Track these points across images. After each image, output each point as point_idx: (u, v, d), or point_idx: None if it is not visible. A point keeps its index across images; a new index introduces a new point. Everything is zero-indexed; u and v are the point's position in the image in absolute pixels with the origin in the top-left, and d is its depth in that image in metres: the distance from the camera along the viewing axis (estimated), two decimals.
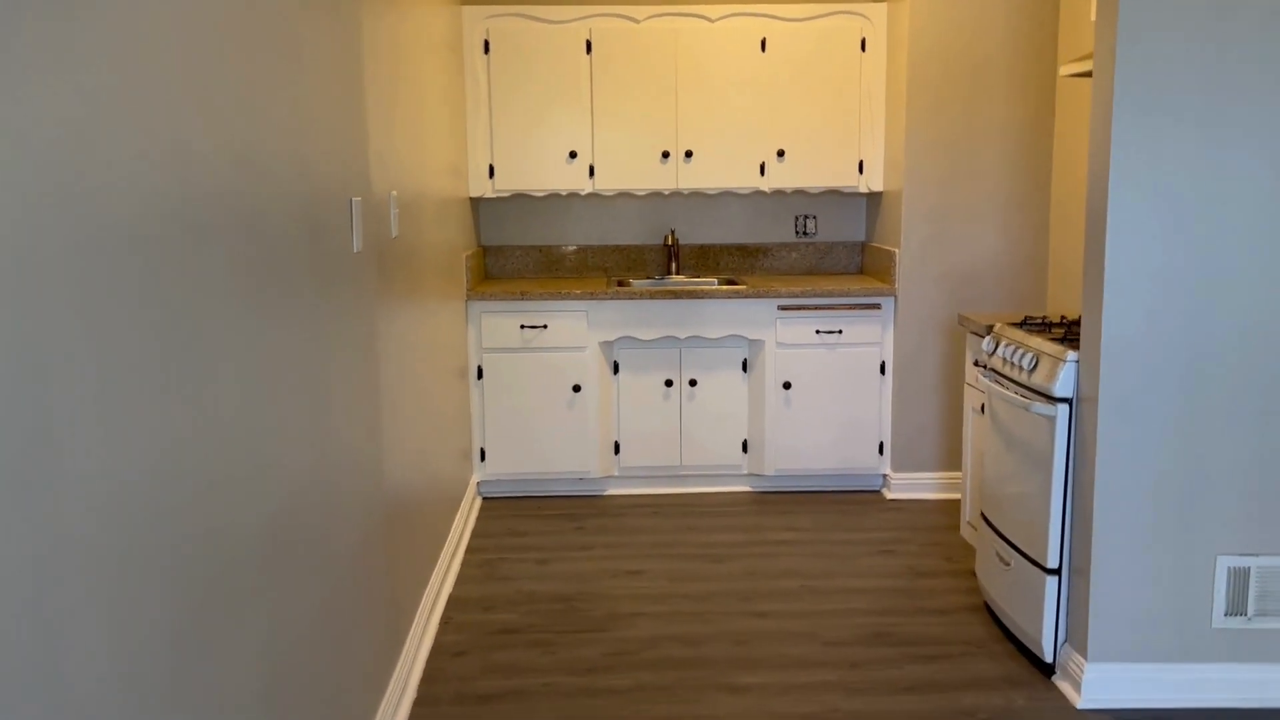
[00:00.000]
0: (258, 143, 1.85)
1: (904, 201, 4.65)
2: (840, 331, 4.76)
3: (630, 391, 4.82)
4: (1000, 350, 3.33)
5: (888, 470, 4.85)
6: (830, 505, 4.71)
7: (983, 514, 3.54)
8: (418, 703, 3.00)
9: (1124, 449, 2.84)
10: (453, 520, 4.16)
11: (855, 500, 4.77)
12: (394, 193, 3.04)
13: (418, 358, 3.47)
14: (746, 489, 4.93)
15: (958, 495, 4.78)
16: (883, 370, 4.79)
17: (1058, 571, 3.04)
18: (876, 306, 4.75)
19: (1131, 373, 2.82)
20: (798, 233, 5.32)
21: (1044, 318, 3.54)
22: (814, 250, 5.33)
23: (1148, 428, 2.84)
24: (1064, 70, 3.48)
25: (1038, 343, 3.15)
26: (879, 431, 4.83)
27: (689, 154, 4.90)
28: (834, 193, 5.25)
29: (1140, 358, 2.81)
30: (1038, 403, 3.03)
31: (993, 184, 4.65)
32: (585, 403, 4.76)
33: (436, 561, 3.72)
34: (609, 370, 4.81)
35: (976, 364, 3.72)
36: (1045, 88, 4.58)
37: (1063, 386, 2.97)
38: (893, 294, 4.72)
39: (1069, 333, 3.20)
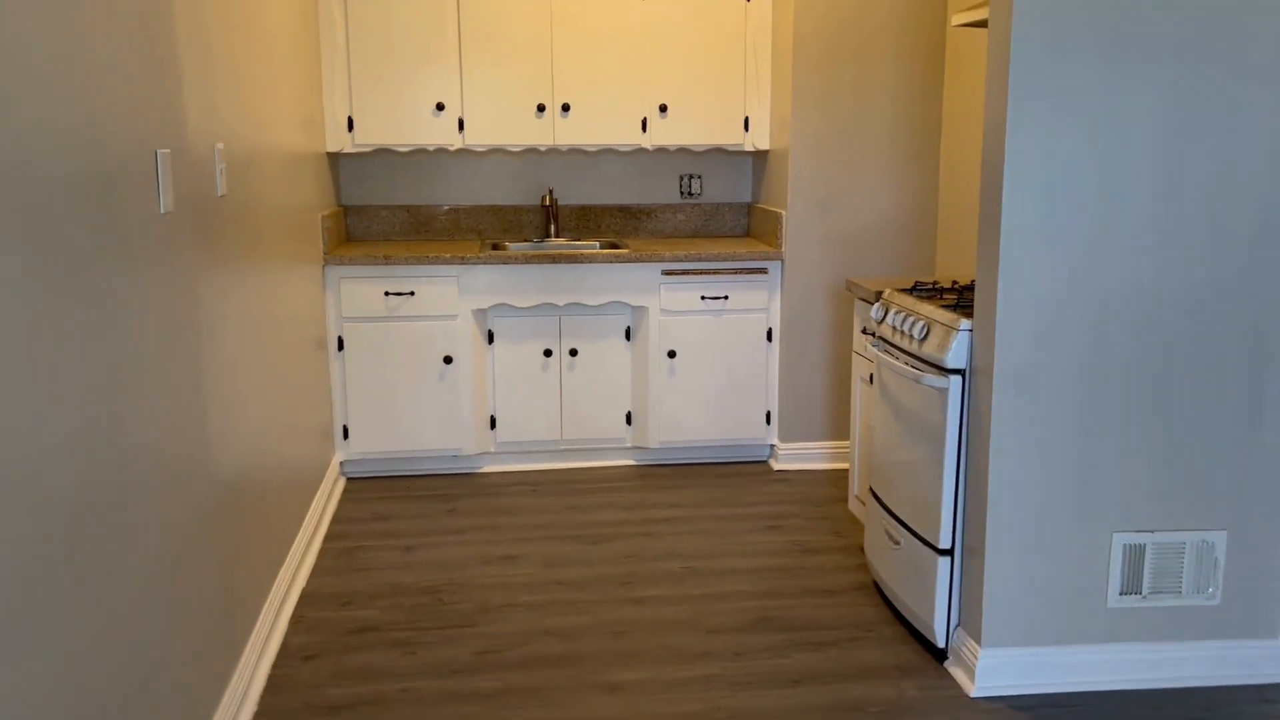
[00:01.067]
0: (17, 85, 1.51)
1: (791, 161, 4.43)
2: (726, 297, 4.54)
3: (506, 362, 4.53)
4: (890, 318, 3.15)
5: (774, 440, 4.68)
6: (716, 478, 4.51)
7: (871, 489, 3.37)
8: (259, 716, 2.70)
9: (1019, 423, 2.68)
10: (309, 505, 3.83)
11: (742, 472, 4.59)
12: (220, 146, 2.68)
13: (260, 329, 3.12)
14: (630, 463, 4.71)
15: (846, 465, 4.64)
16: (769, 337, 4.60)
17: (950, 552, 2.88)
18: (763, 271, 4.54)
19: (1027, 342, 2.65)
20: (683, 193, 5.07)
21: (934, 283, 3.37)
22: (700, 212, 5.09)
23: (1044, 400, 2.68)
24: (956, 20, 3.29)
25: (929, 310, 2.97)
26: (766, 401, 4.64)
27: (566, 108, 4.60)
28: (720, 151, 5.01)
29: (1037, 326, 2.65)
30: (929, 374, 2.85)
31: (882, 143, 4.47)
32: (458, 375, 4.46)
33: (288, 553, 3.39)
34: (483, 340, 4.51)
35: (865, 332, 3.55)
36: (935, 43, 4.41)
37: (955, 357, 2.79)
38: (780, 258, 4.51)
39: (961, 299, 3.03)
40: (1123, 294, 2.65)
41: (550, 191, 4.92)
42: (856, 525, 3.95)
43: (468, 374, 4.46)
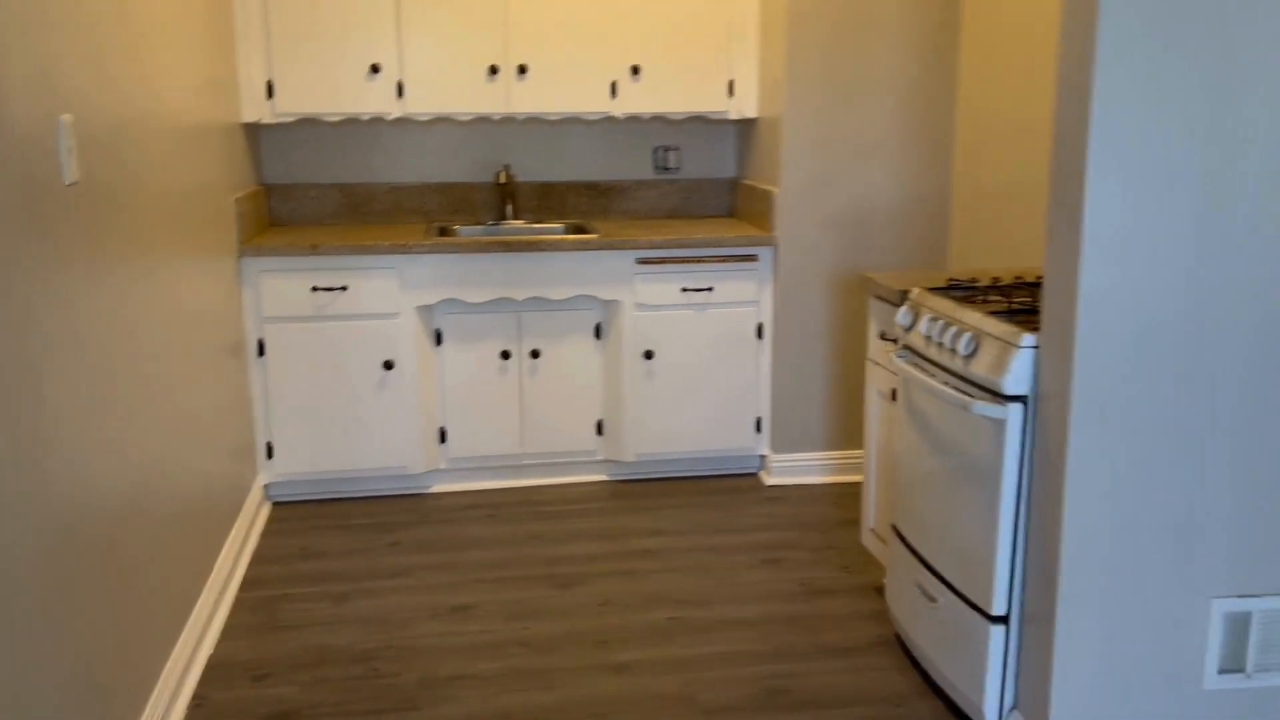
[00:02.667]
0: None
1: (784, 131, 3.83)
2: (711, 289, 3.95)
3: (458, 366, 3.91)
4: (922, 326, 2.57)
5: (766, 451, 4.11)
6: (702, 496, 3.94)
7: (895, 528, 2.81)
8: None
9: (1103, 463, 2.12)
10: (225, 541, 3.21)
11: (730, 488, 4.02)
12: (66, 118, 2.04)
13: (144, 335, 2.49)
14: (602, 478, 4.12)
15: (847, 478, 4.08)
16: (760, 334, 4.01)
17: (1005, 619, 2.33)
18: (753, 258, 3.95)
19: (1115, 362, 2.09)
20: (657, 168, 4.46)
21: (972, 280, 2.80)
22: (677, 189, 4.48)
23: (1134, 435, 2.12)
24: None
25: (976, 319, 2.40)
26: (756, 406, 4.07)
27: (523, 69, 3.96)
28: (700, 120, 4.40)
29: (1127, 342, 2.08)
30: (982, 401, 2.28)
31: (890, 109, 3.87)
32: (400, 382, 3.84)
33: (194, 609, 2.78)
34: (429, 341, 3.89)
35: (885, 338, 2.97)
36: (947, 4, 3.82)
37: (1015, 380, 2.22)
38: (771, 243, 3.92)
39: (1013, 304, 2.46)
40: (1238, 303, 2.09)
41: (506, 167, 4.28)
42: (868, 559, 3.40)
43: (412, 381, 3.84)
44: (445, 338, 3.89)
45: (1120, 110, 1.99)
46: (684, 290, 3.93)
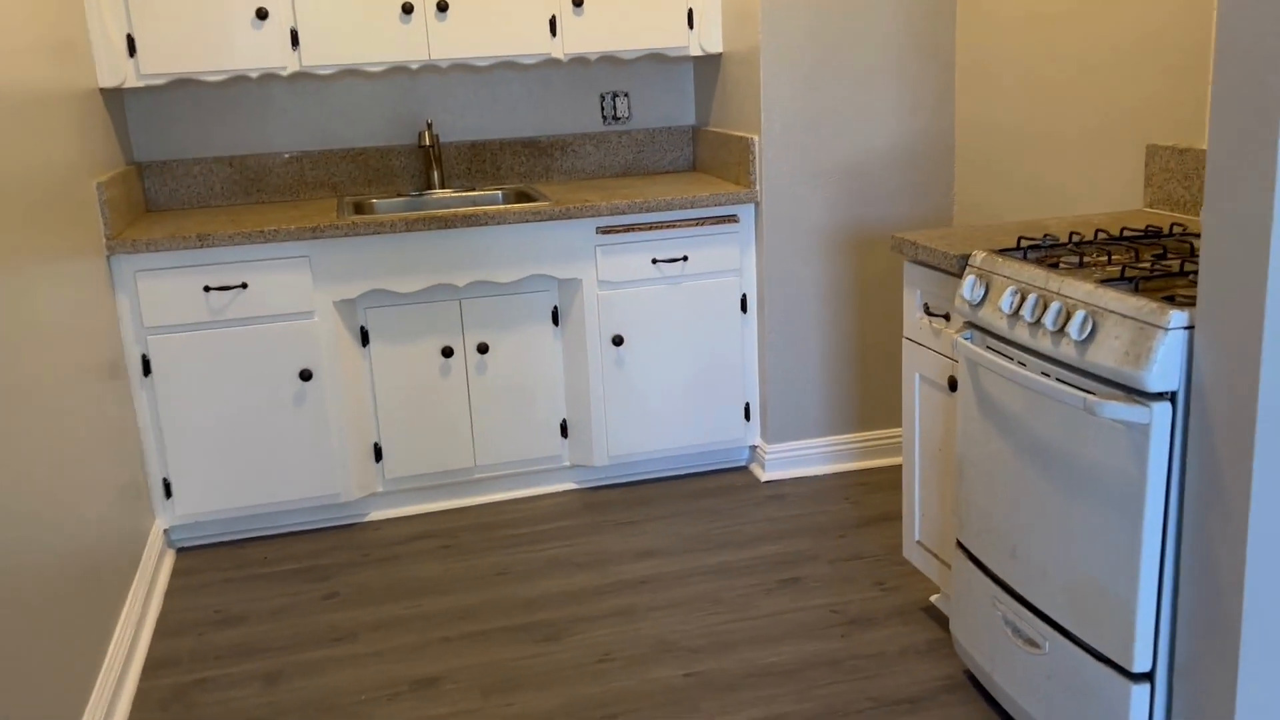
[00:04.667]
0: None
1: (763, 66, 3.23)
2: (685, 258, 3.35)
3: (390, 370, 3.26)
4: (1005, 300, 2.02)
5: (758, 441, 3.55)
6: (690, 501, 3.37)
7: (965, 547, 2.28)
8: None
9: None
10: (120, 610, 2.55)
11: (721, 488, 3.45)
12: None
13: None
14: (571, 487, 3.52)
15: (855, 466, 3.55)
16: (744, 306, 3.44)
17: (1149, 677, 1.81)
18: (732, 219, 3.36)
19: None
20: (606, 118, 3.82)
21: (1047, 237, 2.25)
22: (630, 142, 3.85)
23: None
24: None
25: (1084, 290, 1.85)
26: (743, 390, 3.50)
27: (443, 6, 3.28)
28: (653, 58, 3.77)
29: None
30: (1114, 400, 1.73)
31: (883, 35, 3.29)
32: (321, 394, 3.17)
33: (83, 714, 2.13)
34: (354, 342, 3.23)
35: (931, 313, 2.41)
36: None
37: (1163, 373, 1.68)
38: (753, 199, 3.33)
39: (1128, 269, 1.92)
40: None
41: (429, 126, 3.60)
42: (904, 569, 2.87)
43: (336, 391, 3.18)
44: (373, 337, 3.23)
45: None
46: (654, 261, 3.32)
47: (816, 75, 3.26)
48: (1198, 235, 2.17)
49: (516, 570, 2.98)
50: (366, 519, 3.36)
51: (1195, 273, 1.88)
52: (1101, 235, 2.23)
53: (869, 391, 3.53)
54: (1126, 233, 2.24)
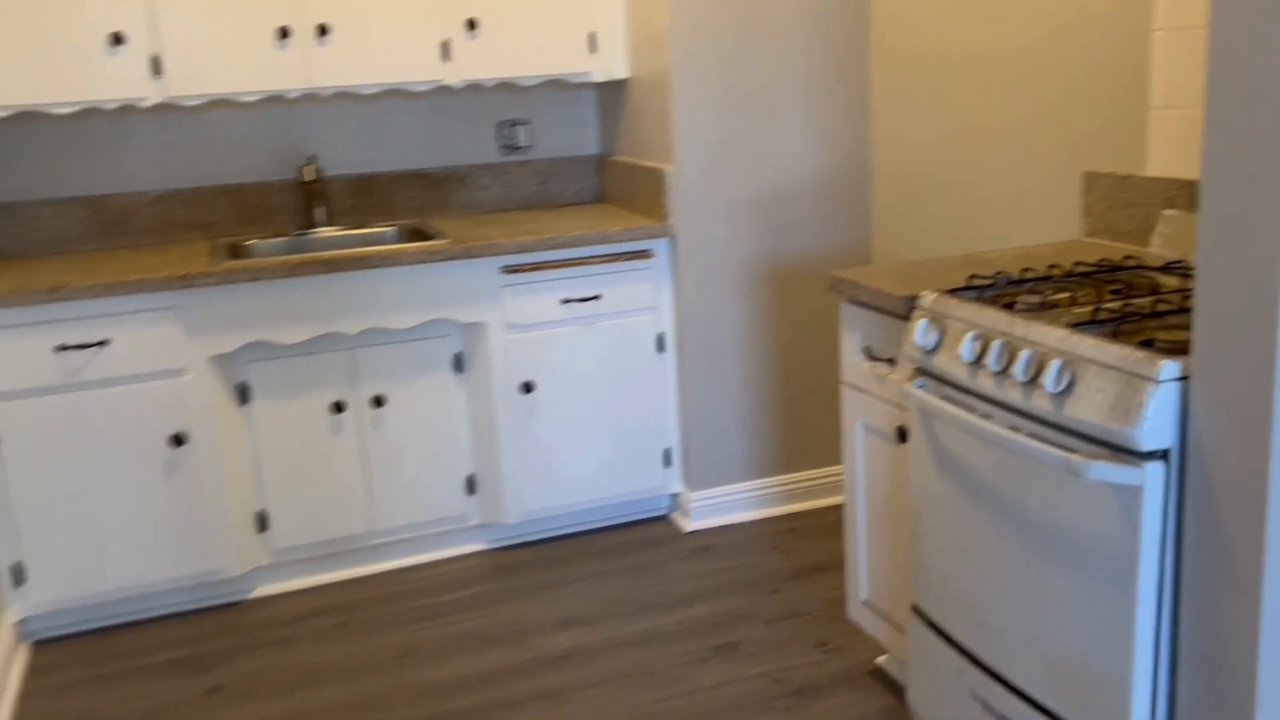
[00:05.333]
0: None
1: (674, 93, 3.03)
2: (598, 297, 3.12)
3: (275, 429, 2.94)
4: (965, 347, 1.84)
5: (679, 488, 3.34)
6: (610, 558, 3.13)
7: (921, 611, 2.09)
8: None
9: None
10: None
11: (642, 542, 3.22)
12: None
13: None
14: (480, 548, 3.24)
15: (782, 510, 3.36)
16: (661, 346, 3.23)
17: None
18: (646, 254, 3.14)
19: None
20: (503, 147, 3.58)
21: (998, 275, 2.09)
22: (531, 173, 3.61)
23: None
24: None
25: (1056, 336, 1.68)
26: (663, 435, 3.28)
27: (324, 30, 3.00)
28: (553, 85, 3.54)
29: None
30: (1101, 461, 1.56)
31: (795, 58, 3.13)
32: (196, 460, 2.84)
33: None
34: (233, 401, 2.90)
35: (875, 358, 2.23)
36: None
37: (1155, 430, 1.52)
38: (668, 233, 3.13)
39: (1098, 312, 1.76)
40: None
41: (312, 159, 3.31)
42: (845, 628, 2.69)
43: (213, 456, 2.85)
44: (254, 394, 2.91)
45: None
46: (565, 301, 3.09)
47: (730, 102, 3.08)
48: (1156, 269, 2.04)
49: (424, 649, 2.70)
50: (252, 596, 3.02)
51: (1169, 313, 1.74)
52: (1055, 271, 2.08)
53: (793, 431, 3.35)
54: (1080, 267, 2.09)
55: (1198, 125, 2.15)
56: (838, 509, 3.36)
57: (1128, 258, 2.13)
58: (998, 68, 2.66)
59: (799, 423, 3.35)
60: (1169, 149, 2.22)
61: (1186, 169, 2.19)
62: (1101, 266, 2.07)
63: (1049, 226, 2.58)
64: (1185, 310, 1.74)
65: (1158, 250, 2.15)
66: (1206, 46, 1.50)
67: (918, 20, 2.94)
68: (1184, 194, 2.18)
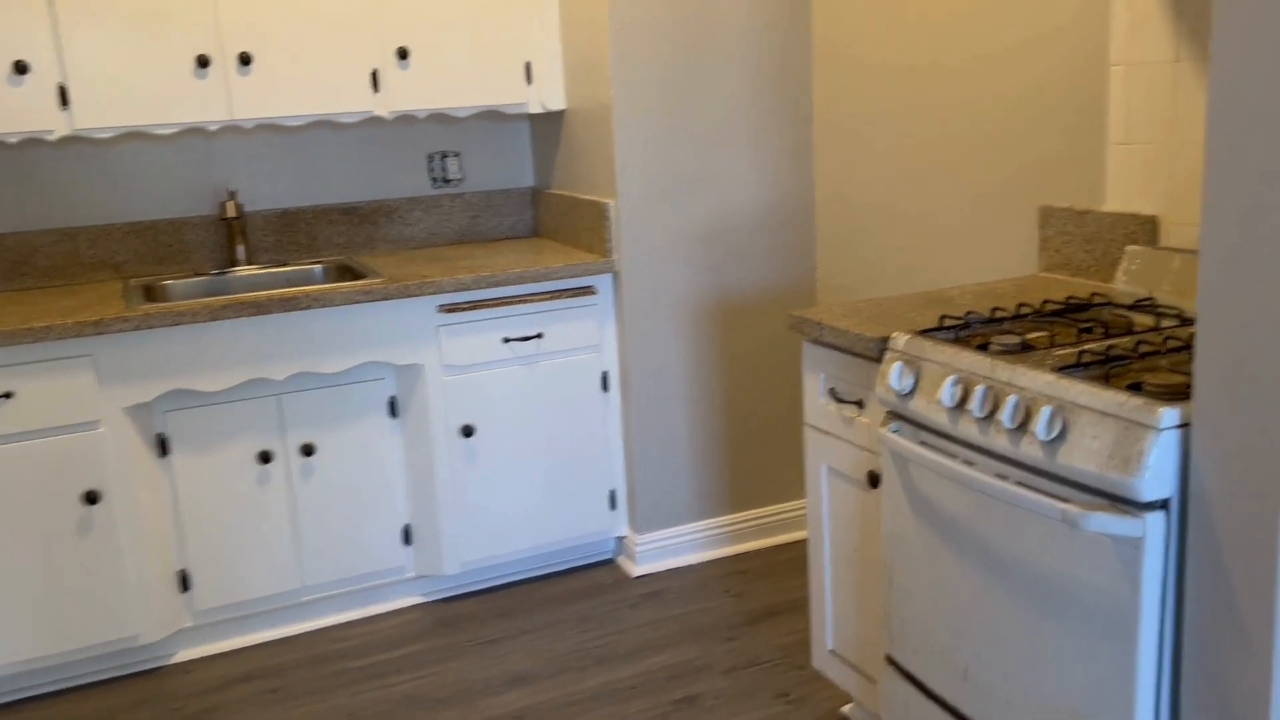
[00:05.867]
0: None
1: (616, 126, 2.95)
2: (540, 335, 3.00)
3: (197, 483, 2.75)
4: (945, 392, 1.77)
5: (625, 531, 3.23)
6: (556, 608, 3.00)
7: (896, 663, 2.01)
8: None
9: None
10: None
11: (589, 589, 3.10)
12: None
13: None
14: (418, 601, 3.08)
15: (731, 550, 3.27)
16: (605, 385, 3.12)
17: None
18: (589, 290, 3.04)
19: None
20: (435, 180, 3.44)
21: (969, 315, 2.04)
22: (464, 206, 3.48)
23: None
24: None
25: (1043, 381, 1.62)
26: (608, 477, 3.17)
27: (246, 59, 2.84)
28: (486, 116, 3.43)
29: None
30: (1100, 512, 1.50)
31: (737, 90, 3.07)
32: (111, 518, 2.64)
33: None
34: (151, 453, 2.71)
35: (841, 400, 2.16)
36: None
37: (1156, 479, 1.46)
38: (611, 269, 3.03)
39: (1082, 355, 1.71)
40: None
41: (233, 194, 3.13)
42: (807, 673, 2.60)
43: (130, 513, 2.65)
44: (174, 445, 2.72)
45: None
46: (506, 341, 2.96)
47: (672, 135, 3.00)
48: (1126, 307, 2.01)
49: (364, 713, 2.53)
50: (173, 661, 2.81)
51: (1152, 354, 1.70)
52: (1026, 309, 2.04)
53: (742, 469, 3.27)
54: (1050, 306, 2.05)
55: (1157, 160, 2.14)
56: (788, 548, 3.28)
57: (1096, 295, 2.09)
58: (948, 99, 2.64)
59: (747, 460, 3.27)
60: (1128, 184, 2.20)
61: (1146, 204, 2.17)
62: (1071, 305, 2.03)
63: (1003, 261, 2.55)
64: (1170, 351, 1.70)
65: (1123, 287, 2.12)
66: (1208, 83, 1.46)
67: (861, 55, 2.91)
68: (1145, 229, 2.16)
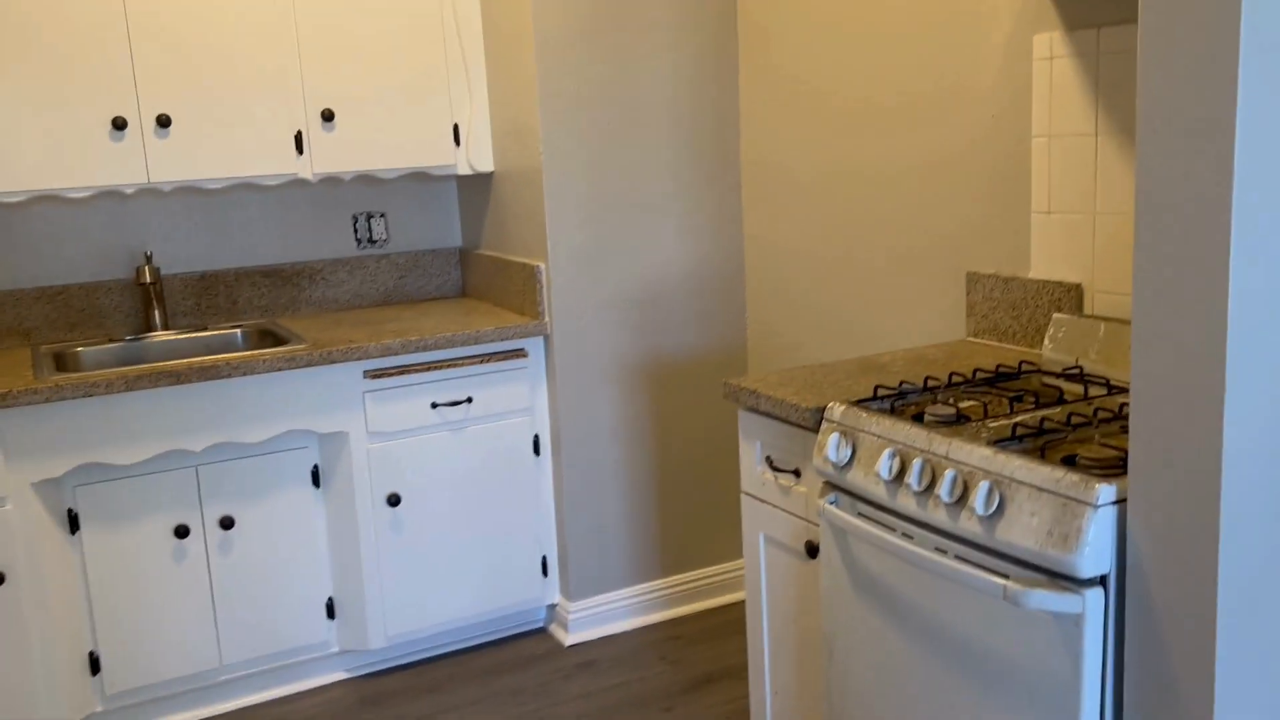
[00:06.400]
0: None
1: (547, 188, 2.93)
2: (469, 400, 2.95)
3: (109, 560, 2.63)
4: (883, 465, 1.77)
5: (557, 599, 3.16)
6: (487, 679, 2.92)
7: None
8: None
9: (1257, 671, 1.41)
10: None
11: (521, 660, 3.03)
12: None
13: None
14: (342, 677, 2.97)
15: (666, 615, 3.23)
16: (537, 449, 3.07)
17: None
18: (520, 353, 3.00)
19: (1266, 515, 1.39)
20: (360, 240, 3.39)
21: (902, 385, 2.05)
22: (390, 266, 3.43)
23: None
24: None
25: (980, 455, 1.63)
26: (540, 543, 3.11)
27: (165, 121, 2.77)
28: (414, 175, 3.39)
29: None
30: (1040, 589, 1.51)
31: (669, 155, 3.09)
32: (17, 599, 2.50)
33: None
34: (61, 530, 2.58)
35: (777, 469, 2.15)
36: (723, 3, 3.10)
37: (1095, 555, 1.47)
38: (543, 331, 3.00)
39: (1016, 428, 1.72)
40: None
41: (149, 257, 3.04)
42: None
43: (36, 594, 2.52)
44: (85, 521, 2.60)
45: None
46: (434, 406, 2.90)
47: (602, 197, 3.00)
48: (1055, 374, 2.04)
49: None
50: None
51: (1084, 425, 1.72)
52: (958, 378, 2.05)
53: (675, 532, 3.24)
54: (981, 374, 2.07)
55: (1079, 230, 2.18)
56: (723, 610, 3.25)
57: (1024, 363, 2.12)
58: (874, 164, 2.67)
59: (682, 522, 3.25)
60: (1051, 252, 2.25)
61: (1070, 272, 2.21)
62: (1002, 373, 2.06)
63: (931, 324, 2.58)
64: (1101, 422, 1.73)
65: (1051, 354, 2.15)
66: (1136, 165, 1.50)
67: (788, 119, 2.94)
68: (1070, 296, 2.20)
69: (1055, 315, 2.17)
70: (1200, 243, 1.32)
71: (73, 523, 2.59)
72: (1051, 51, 2.18)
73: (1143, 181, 1.38)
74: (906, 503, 1.73)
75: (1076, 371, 2.06)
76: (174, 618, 2.71)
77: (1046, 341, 2.17)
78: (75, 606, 2.61)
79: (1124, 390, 1.93)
